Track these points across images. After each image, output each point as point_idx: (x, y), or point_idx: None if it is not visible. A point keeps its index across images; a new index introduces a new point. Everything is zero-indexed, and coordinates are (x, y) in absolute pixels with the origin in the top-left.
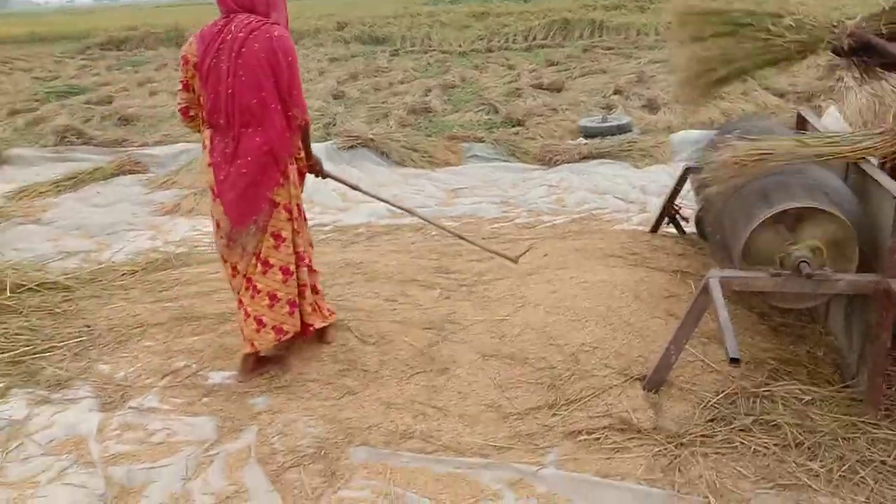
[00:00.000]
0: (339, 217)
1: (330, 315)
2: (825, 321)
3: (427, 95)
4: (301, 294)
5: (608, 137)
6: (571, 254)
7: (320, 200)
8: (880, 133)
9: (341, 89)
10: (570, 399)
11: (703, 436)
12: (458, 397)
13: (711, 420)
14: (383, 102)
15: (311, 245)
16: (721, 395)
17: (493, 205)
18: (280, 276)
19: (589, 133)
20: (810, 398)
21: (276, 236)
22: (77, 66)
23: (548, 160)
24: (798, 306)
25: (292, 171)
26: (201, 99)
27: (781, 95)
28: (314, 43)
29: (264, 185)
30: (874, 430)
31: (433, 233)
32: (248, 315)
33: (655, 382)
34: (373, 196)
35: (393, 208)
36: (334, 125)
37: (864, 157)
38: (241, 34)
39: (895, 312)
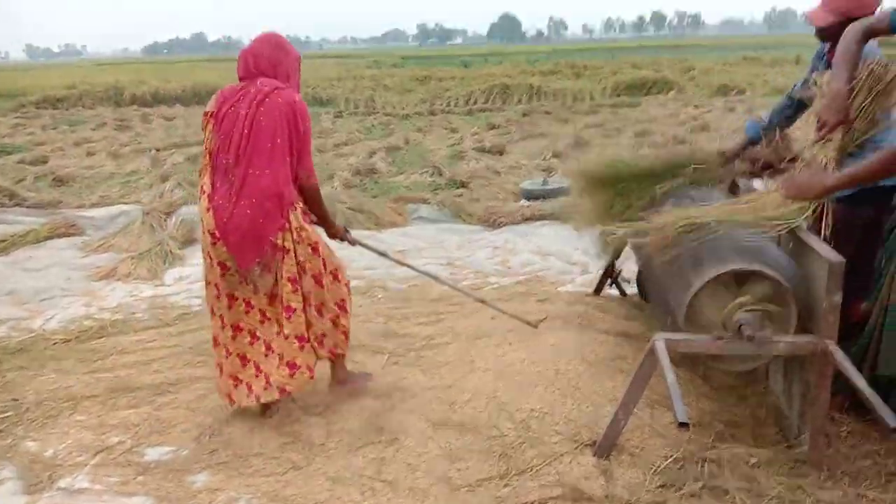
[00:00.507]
0: None
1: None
2: (766, 382)
3: (372, 157)
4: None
5: (549, 200)
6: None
7: None
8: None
9: None
10: (522, 469)
11: (654, 502)
12: (408, 469)
13: (662, 486)
14: (328, 164)
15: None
16: (670, 460)
17: (440, 266)
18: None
19: (531, 195)
20: (756, 460)
21: (292, 280)
22: (10, 125)
23: (492, 222)
24: (740, 368)
25: (295, 218)
26: (209, 144)
27: None
28: None
29: (268, 228)
30: (818, 492)
31: (379, 296)
32: (275, 355)
33: (605, 448)
34: (400, 262)
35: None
36: None
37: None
38: (265, 88)
39: (833, 373)
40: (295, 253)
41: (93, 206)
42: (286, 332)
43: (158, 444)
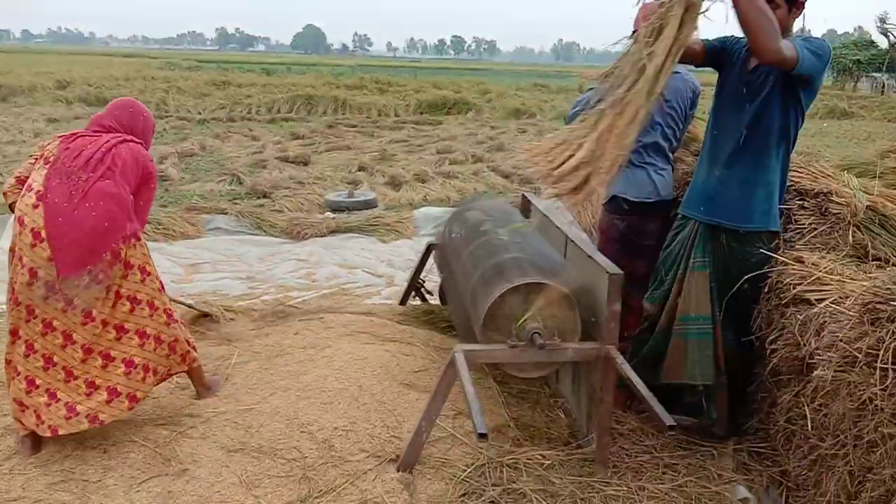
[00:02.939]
0: None
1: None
2: (557, 386)
3: (162, 163)
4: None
5: (355, 212)
6: (322, 332)
7: None
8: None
9: None
10: (324, 490)
11: None
12: (199, 501)
13: (464, 494)
14: None
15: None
16: (471, 468)
17: (238, 280)
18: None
19: (336, 207)
20: (550, 462)
21: (131, 300)
22: None
23: (296, 234)
24: (533, 375)
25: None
26: (46, 152)
27: (507, 177)
28: (29, 101)
29: (112, 234)
30: (606, 488)
31: None
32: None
33: (408, 462)
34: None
35: None
36: None
37: None
38: (114, 140)
39: (615, 376)
40: (141, 272)
41: None
42: (113, 354)
43: None
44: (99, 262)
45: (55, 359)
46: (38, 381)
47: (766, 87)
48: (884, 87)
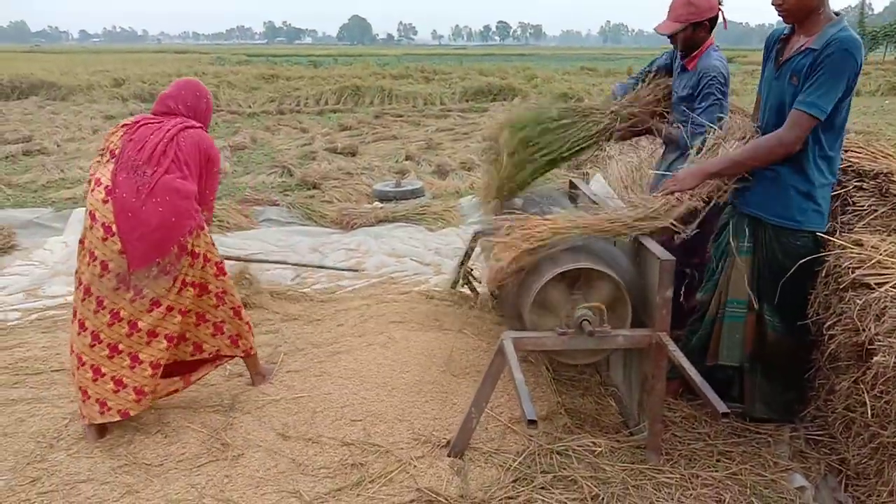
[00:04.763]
0: None
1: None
2: (608, 373)
3: None
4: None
5: (402, 202)
6: (371, 320)
7: None
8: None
9: None
10: (374, 476)
11: (507, 498)
12: (254, 485)
13: (515, 481)
14: None
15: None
16: (522, 455)
17: (289, 270)
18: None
19: (384, 197)
20: (601, 450)
21: (194, 286)
22: None
23: (345, 224)
24: (583, 362)
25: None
26: (111, 144)
27: None
28: (87, 99)
29: (179, 227)
30: (658, 475)
31: None
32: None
33: (459, 448)
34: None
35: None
36: None
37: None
38: (176, 128)
39: (667, 363)
40: (204, 259)
41: None
42: (178, 335)
43: None
44: (167, 255)
45: (120, 346)
46: (103, 370)
47: (791, 78)
48: None
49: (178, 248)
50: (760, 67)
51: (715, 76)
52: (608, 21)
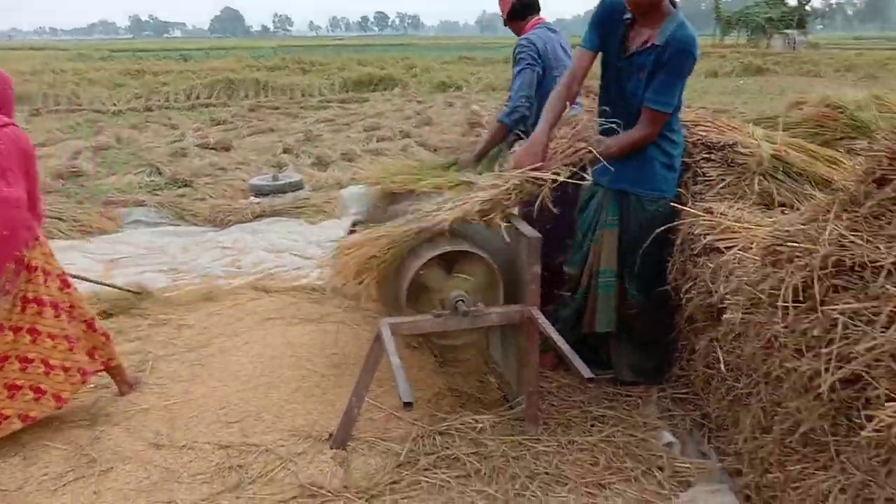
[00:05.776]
0: None
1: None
2: (488, 353)
3: (76, 158)
4: None
5: (280, 195)
6: (245, 317)
7: None
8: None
9: None
10: (254, 477)
11: (391, 483)
12: (125, 499)
13: (399, 466)
14: None
15: None
16: (407, 440)
17: (160, 273)
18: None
19: (260, 192)
20: (482, 426)
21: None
22: None
23: (219, 221)
24: (461, 342)
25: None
26: None
27: (435, 150)
28: None
29: (14, 241)
30: (536, 445)
31: None
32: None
33: (342, 439)
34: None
35: None
36: None
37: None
38: None
39: (539, 336)
40: (44, 273)
41: None
42: (31, 356)
43: None
44: (3, 273)
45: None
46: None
47: (639, 73)
48: (794, 42)
49: (16, 262)
50: (603, 27)
51: (524, 44)
52: (484, 11)
